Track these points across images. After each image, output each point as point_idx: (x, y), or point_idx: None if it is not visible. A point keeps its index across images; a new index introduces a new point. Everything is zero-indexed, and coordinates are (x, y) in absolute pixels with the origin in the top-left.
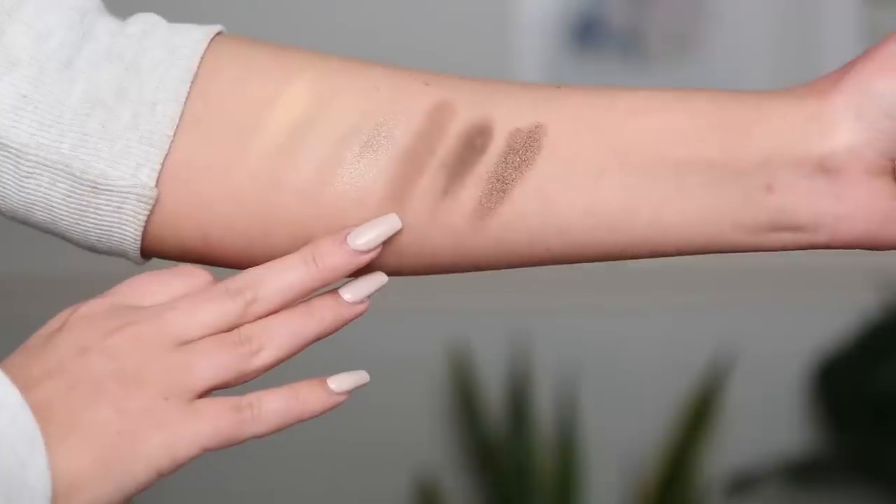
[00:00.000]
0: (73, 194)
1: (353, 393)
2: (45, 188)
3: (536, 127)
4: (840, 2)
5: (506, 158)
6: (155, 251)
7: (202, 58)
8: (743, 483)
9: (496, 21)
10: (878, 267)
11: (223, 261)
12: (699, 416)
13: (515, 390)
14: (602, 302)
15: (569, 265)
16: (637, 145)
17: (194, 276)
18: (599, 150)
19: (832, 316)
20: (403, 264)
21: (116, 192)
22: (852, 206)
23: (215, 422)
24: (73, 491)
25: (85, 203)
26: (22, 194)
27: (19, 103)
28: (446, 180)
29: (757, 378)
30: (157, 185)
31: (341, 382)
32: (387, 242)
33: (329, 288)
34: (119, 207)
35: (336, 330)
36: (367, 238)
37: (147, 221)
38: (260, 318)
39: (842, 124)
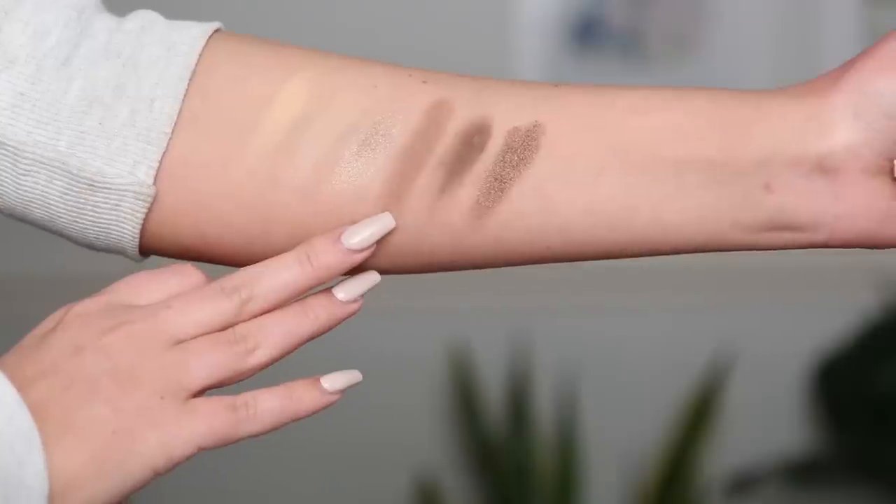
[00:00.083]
0: (70, 192)
1: (346, 392)
2: (43, 186)
3: (534, 126)
4: (840, 2)
5: (504, 157)
6: (153, 249)
7: (200, 55)
8: (743, 483)
9: (496, 21)
10: (878, 267)
11: (222, 258)
12: (699, 416)
13: (515, 390)
14: (602, 302)
15: (569, 265)
16: (636, 144)
17: (188, 275)
18: (599, 149)
19: (832, 316)
20: (402, 263)
21: (114, 189)
22: (850, 206)
23: (211, 421)
24: (70, 490)
25: (82, 201)
26: (19, 192)
27: (16, 101)
28: (444, 179)
29: (757, 378)
30: (154, 183)
31: (334, 382)
32: (385, 241)
33: (323, 287)
34: (117, 205)
35: (330, 329)
36: (360, 237)
37: (145, 219)
38: (255, 316)
39: (840, 124)
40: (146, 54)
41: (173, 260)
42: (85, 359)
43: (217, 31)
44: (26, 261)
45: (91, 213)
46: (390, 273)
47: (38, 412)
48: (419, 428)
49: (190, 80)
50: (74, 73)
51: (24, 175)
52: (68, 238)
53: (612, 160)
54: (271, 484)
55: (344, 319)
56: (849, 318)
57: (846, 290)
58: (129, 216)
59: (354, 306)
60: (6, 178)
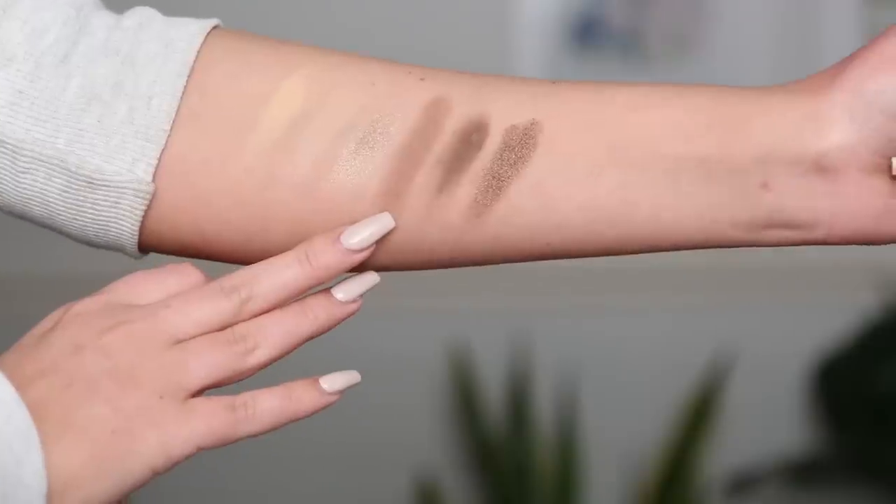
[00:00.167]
0: (69, 190)
1: (344, 393)
2: (42, 183)
3: (532, 124)
4: (840, 2)
5: (502, 155)
6: (153, 246)
7: (198, 52)
8: (743, 483)
9: (496, 21)
10: (878, 267)
11: (221, 256)
12: (699, 416)
13: (515, 390)
14: (602, 302)
15: (569, 265)
16: (636, 141)
17: (187, 275)
18: (598, 146)
19: (832, 316)
20: (401, 260)
21: (113, 187)
22: (848, 204)
23: (210, 421)
24: (69, 489)
25: (82, 198)
26: (19, 189)
27: (15, 99)
28: (442, 177)
29: (757, 378)
30: (153, 180)
31: (333, 382)
32: (384, 239)
33: (322, 287)
34: (116, 202)
35: (329, 329)
36: (359, 237)
37: (144, 216)
38: (254, 316)
39: (837, 123)
40: (144, 51)
41: (172, 258)
42: (84, 358)
43: (215, 27)
44: (26, 261)
45: (90, 211)
46: (390, 270)
47: (38, 411)
48: (419, 428)
49: (188, 77)
50: (73, 71)
51: (23, 173)
52: (67, 235)
53: (611, 157)
54: (271, 484)
55: (343, 320)
56: (849, 318)
57: (846, 290)
58: (127, 213)
59: (353, 306)
60: (5, 175)
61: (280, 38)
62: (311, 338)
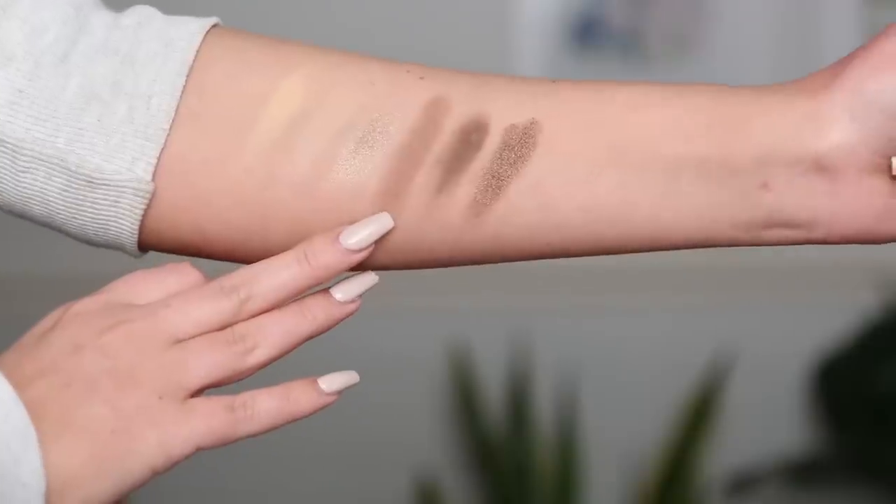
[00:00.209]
0: (69, 189)
1: (343, 393)
2: (42, 183)
3: (531, 123)
4: (840, 2)
5: (501, 155)
6: (152, 245)
7: (198, 51)
8: (743, 483)
9: (496, 21)
10: (878, 267)
11: (221, 255)
12: (699, 416)
13: (515, 390)
14: (602, 302)
15: (569, 265)
16: (636, 141)
17: (186, 274)
18: (598, 146)
19: (832, 316)
20: (401, 259)
21: (113, 186)
22: (848, 204)
23: (209, 420)
24: (68, 488)
25: (81, 197)
26: (18, 189)
27: (15, 98)
28: (442, 177)
29: (757, 378)
30: (153, 180)
31: (332, 382)
32: (384, 238)
33: (321, 287)
34: (116, 201)
35: (328, 329)
36: (358, 237)
37: (144, 215)
38: (254, 316)
39: (837, 123)
40: (144, 50)
41: (172, 256)
42: (84, 357)
43: (215, 26)
44: (26, 261)
45: (90, 210)
46: (389, 269)
47: (37, 410)
48: (419, 428)
49: (187, 76)
50: (72, 70)
51: (22, 172)
52: (67, 234)
53: (611, 157)
54: (271, 484)
55: (342, 319)
56: (849, 318)
57: (846, 290)
58: (127, 212)
59: (352, 306)
60: (5, 174)
61: (279, 38)
62: (310, 338)
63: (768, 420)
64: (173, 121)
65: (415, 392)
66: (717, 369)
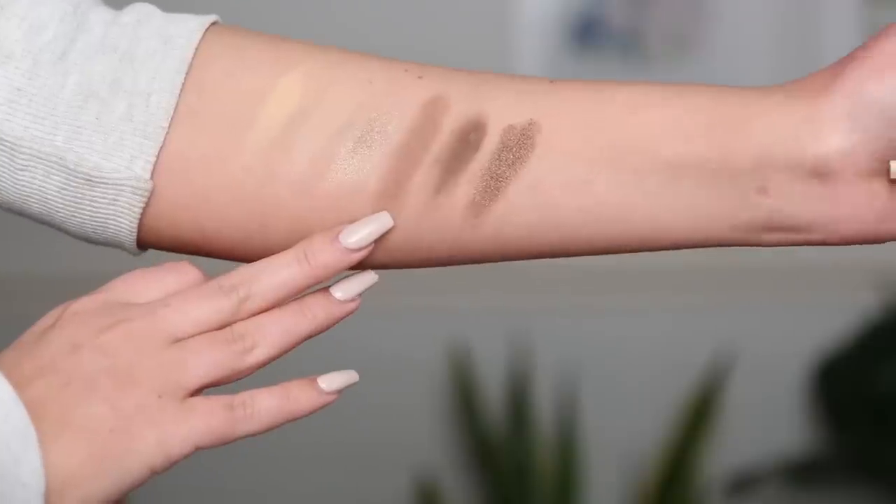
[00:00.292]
0: (67, 187)
1: (343, 392)
2: (40, 181)
3: (530, 123)
4: (840, 2)
5: (499, 155)
6: (151, 243)
7: (197, 48)
8: (743, 483)
9: (496, 21)
10: (878, 267)
11: (220, 253)
12: (699, 416)
13: (515, 390)
14: (602, 302)
15: (569, 265)
16: (635, 141)
17: (185, 273)
18: (596, 146)
19: (832, 316)
20: (400, 258)
21: (111, 184)
22: (847, 209)
23: (208, 420)
24: (67, 488)
25: (80, 196)
26: (17, 187)
27: (13, 96)
28: (440, 177)
29: (757, 378)
30: (152, 178)
31: (331, 382)
32: (383, 238)
33: (320, 286)
34: (114, 200)
35: (327, 328)
36: (358, 237)
37: (143, 213)
38: (253, 315)
39: (835, 127)
40: (143, 48)
41: (171, 255)
42: (83, 357)
43: (214, 24)
44: (26, 261)
45: (89, 208)
46: (388, 268)
47: (36, 410)
48: (419, 428)
49: (186, 73)
50: (71, 68)
51: (21, 170)
52: (66, 232)
53: (611, 157)
54: (270, 484)
55: (341, 319)
56: (849, 318)
57: (846, 290)
58: (126, 211)
59: (352, 305)
60: (4, 173)
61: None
62: (309, 337)
63: (768, 420)
64: (172, 119)
65: (414, 392)
66: (717, 369)
